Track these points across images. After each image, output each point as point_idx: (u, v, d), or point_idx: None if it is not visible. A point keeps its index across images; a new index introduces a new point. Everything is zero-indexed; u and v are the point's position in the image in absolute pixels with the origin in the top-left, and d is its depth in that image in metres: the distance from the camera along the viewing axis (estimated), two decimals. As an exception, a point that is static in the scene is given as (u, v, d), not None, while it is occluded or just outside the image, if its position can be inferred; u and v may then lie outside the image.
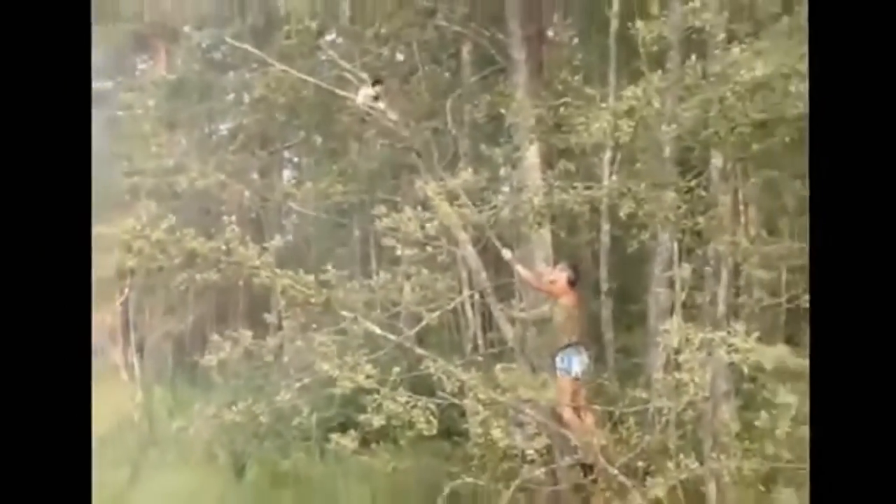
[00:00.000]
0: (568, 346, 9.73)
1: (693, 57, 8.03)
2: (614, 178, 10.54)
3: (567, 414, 9.56)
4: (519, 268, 10.55)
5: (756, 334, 7.15)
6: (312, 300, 10.07)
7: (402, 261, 10.66)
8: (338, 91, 13.08)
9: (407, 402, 9.14)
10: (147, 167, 19.01)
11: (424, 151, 12.81)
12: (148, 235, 9.96)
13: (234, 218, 10.51)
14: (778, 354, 7.05)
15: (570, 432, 9.50)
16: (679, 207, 8.65)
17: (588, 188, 9.87)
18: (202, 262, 10.18)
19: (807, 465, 6.97)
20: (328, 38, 15.55)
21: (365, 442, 10.19)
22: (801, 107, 6.43)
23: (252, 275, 10.02)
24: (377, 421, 9.14)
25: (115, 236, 11.03)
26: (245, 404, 10.66)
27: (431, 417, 9.19)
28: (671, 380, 7.76)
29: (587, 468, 9.66)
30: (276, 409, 10.84)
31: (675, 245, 9.66)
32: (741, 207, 8.83)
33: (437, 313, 10.96)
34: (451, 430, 10.90)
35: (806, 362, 7.51)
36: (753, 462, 7.38)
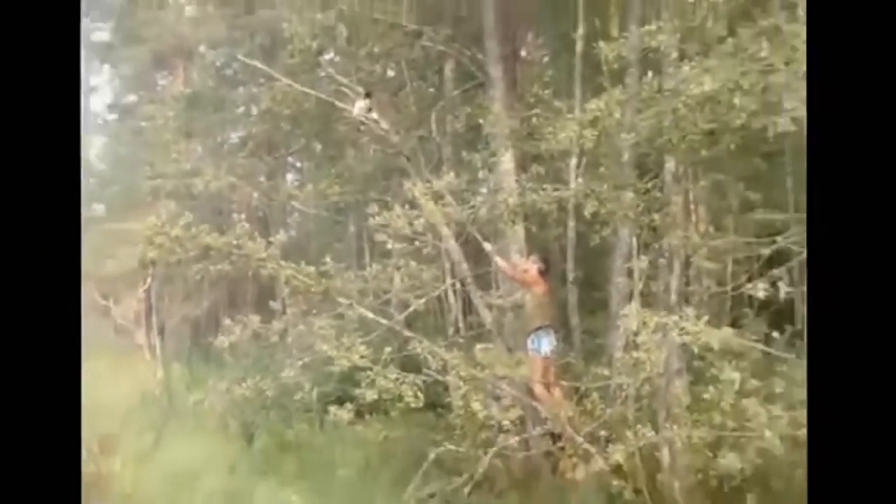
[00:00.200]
0: (539, 328, 9.70)
1: (649, 74, 8.01)
2: (580, 180, 10.52)
3: (538, 389, 9.54)
4: (497, 259, 10.53)
5: (705, 318, 7.15)
6: (313, 289, 10.05)
7: (393, 254, 10.64)
8: (336, 103, 13.02)
9: (397, 379, 9.14)
10: (167, 171, 18.90)
11: (412, 157, 12.77)
12: (168, 231, 9.94)
13: (243, 216, 10.46)
14: (723, 336, 7.05)
15: (541, 405, 9.49)
16: (637, 206, 8.64)
17: (556, 189, 9.86)
18: (215, 254, 10.16)
19: (748, 433, 7.02)
20: (327, 56, 15.45)
21: (359, 413, 10.14)
22: (744, 118, 6.41)
23: (259, 266, 9.99)
24: (370, 395, 9.13)
25: (139, 232, 11.02)
26: (253, 380, 10.66)
27: (418, 392, 9.20)
28: (630, 359, 7.75)
29: (556, 436, 9.66)
30: (281, 385, 10.83)
31: (634, 240, 9.64)
32: (691, 206, 8.81)
33: (423, 300, 10.95)
34: (435, 403, 10.85)
35: (748, 343, 7.57)
36: (702, 431, 7.38)
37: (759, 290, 7.34)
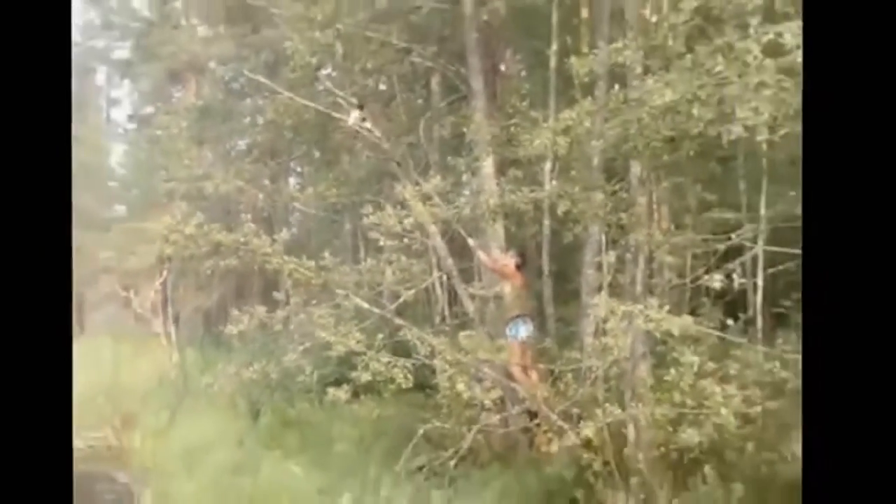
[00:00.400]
0: (517, 317, 9.71)
1: (616, 86, 7.97)
2: (553, 182, 10.52)
3: (516, 371, 9.53)
4: (479, 254, 10.53)
5: (666, 307, 7.12)
6: (313, 281, 10.02)
7: (385, 249, 10.57)
8: (333, 114, 12.96)
9: (389, 363, 9.11)
10: (181, 175, 18.77)
11: (402, 162, 12.72)
12: (182, 230, 9.91)
13: (249, 216, 10.48)
14: (683, 323, 7.03)
15: (519, 386, 9.48)
16: (605, 206, 8.60)
17: (533, 191, 9.84)
18: (225, 250, 10.13)
19: (705, 410, 7.00)
20: (325, 71, 15.41)
21: (355, 394, 10.09)
22: (702, 126, 6.37)
23: (264, 261, 9.95)
24: (365, 377, 9.10)
25: (157, 231, 10.96)
26: (260, 364, 10.63)
27: (408, 374, 9.17)
28: (599, 344, 7.74)
29: (533, 414, 9.65)
30: (285, 368, 10.78)
31: (603, 236, 9.61)
32: (654, 206, 8.76)
33: (412, 291, 10.89)
34: (424, 384, 10.80)
35: (705, 329, 7.54)
36: (664, 408, 7.36)
37: (716, 281, 7.33)
